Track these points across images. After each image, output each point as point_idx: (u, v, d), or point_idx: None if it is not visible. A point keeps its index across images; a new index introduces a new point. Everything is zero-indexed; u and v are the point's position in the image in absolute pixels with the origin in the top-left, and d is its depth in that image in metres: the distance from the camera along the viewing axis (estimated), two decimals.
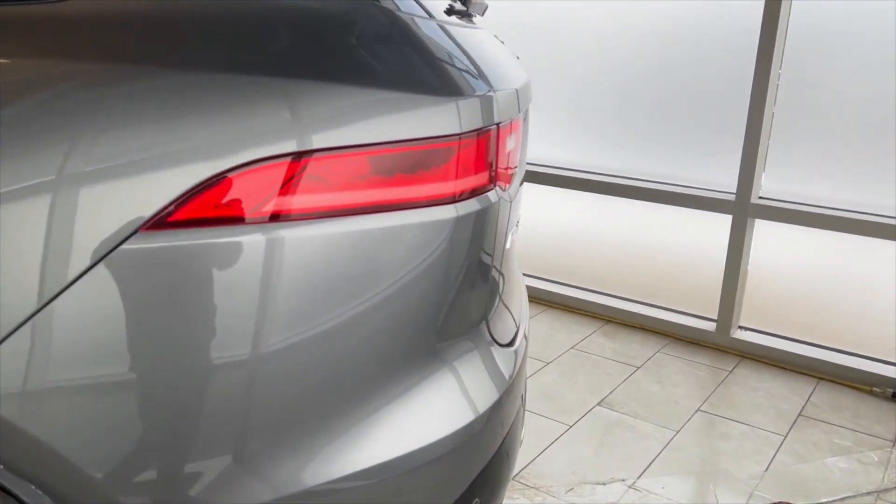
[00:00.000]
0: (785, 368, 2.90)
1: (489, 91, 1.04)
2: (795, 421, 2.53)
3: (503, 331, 1.31)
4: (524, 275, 3.55)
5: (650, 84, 3.14)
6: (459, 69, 1.02)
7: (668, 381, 2.77)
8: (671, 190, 3.08)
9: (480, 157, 1.04)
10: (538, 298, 3.47)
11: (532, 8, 3.37)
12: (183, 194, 0.84)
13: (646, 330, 3.20)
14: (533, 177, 3.42)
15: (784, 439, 2.42)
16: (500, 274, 1.26)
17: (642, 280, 3.31)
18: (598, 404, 2.59)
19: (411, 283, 0.98)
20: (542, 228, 3.55)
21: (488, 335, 1.16)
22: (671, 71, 3.08)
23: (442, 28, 1.09)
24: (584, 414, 2.52)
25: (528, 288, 3.45)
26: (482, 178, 1.05)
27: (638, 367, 2.87)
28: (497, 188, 1.10)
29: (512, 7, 3.42)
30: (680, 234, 3.19)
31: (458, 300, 1.06)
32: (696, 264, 3.17)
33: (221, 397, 0.90)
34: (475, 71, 1.06)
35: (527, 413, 2.48)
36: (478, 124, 1.01)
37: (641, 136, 3.20)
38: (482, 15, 1.57)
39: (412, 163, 0.95)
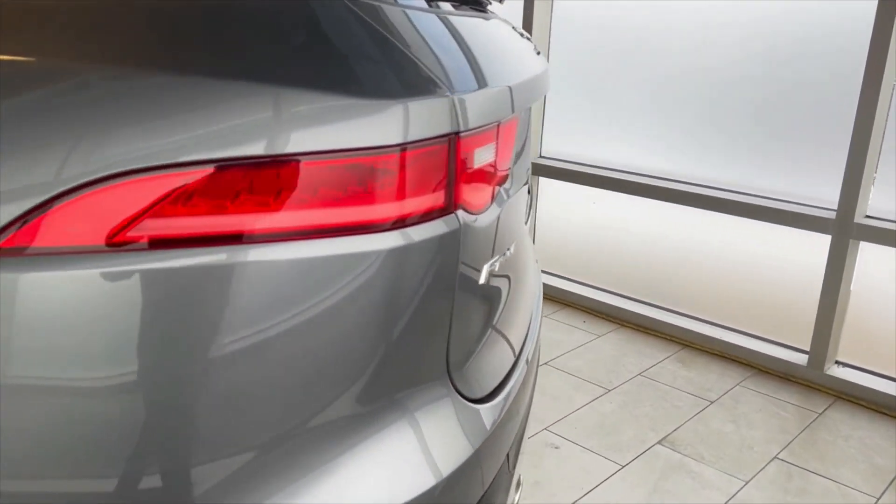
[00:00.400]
0: (886, 415, 2.51)
1: (450, 92, 0.83)
2: (893, 480, 2.17)
3: (492, 370, 1.11)
4: (594, 287, 3.28)
5: (744, 86, 2.81)
6: (409, 67, 0.82)
7: (744, 421, 2.45)
8: (762, 204, 2.74)
9: (433, 174, 0.83)
10: (608, 315, 3.20)
11: (619, 5, 3.09)
12: (14, 221, 0.68)
13: (727, 358, 2.87)
14: (608, 183, 3.15)
15: (876, 502, 2.07)
16: (481, 308, 1.05)
17: (727, 301, 2.98)
18: (660, 442, 2.31)
19: (329, 325, 0.79)
20: (618, 239, 3.27)
21: (452, 387, 0.96)
22: (768, 71, 2.74)
23: (412, 18, 0.89)
24: (640, 452, 2.25)
25: (598, 303, 3.19)
26: (436, 199, 0.85)
27: (712, 402, 2.56)
28: (461, 211, 0.89)
29: (598, 4, 3.16)
30: (773, 251, 2.84)
31: (405, 345, 0.87)
32: (789, 287, 2.82)
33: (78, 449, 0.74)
34: (444, 68, 0.86)
35: (575, 448, 2.24)
36: (428, 133, 0.81)
37: (732, 143, 2.87)
38: (501, 2, 1.36)
39: (330, 182, 0.76)
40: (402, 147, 0.79)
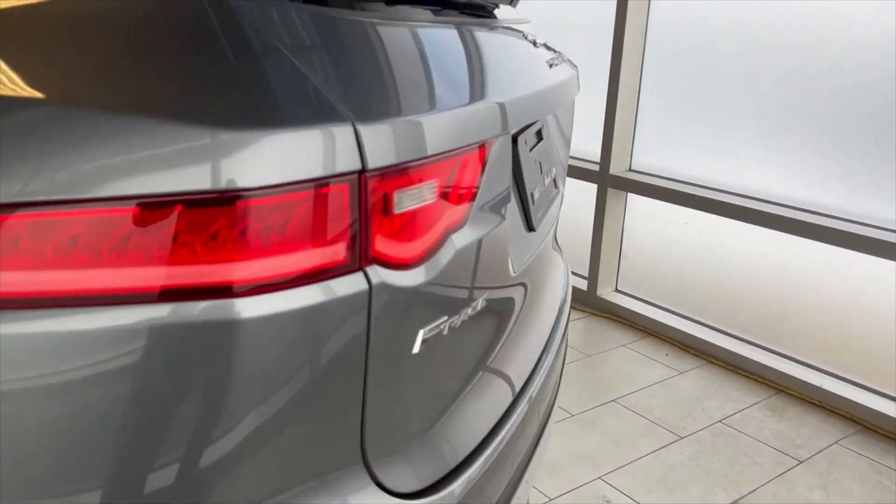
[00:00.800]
0: None
1: (354, 120, 0.66)
2: None
3: (469, 431, 0.95)
4: (681, 316, 2.99)
5: (868, 96, 2.44)
6: (292, 88, 0.65)
7: (836, 488, 2.11)
8: (884, 238, 2.36)
9: (323, 223, 0.66)
10: (695, 349, 2.89)
11: (726, 5, 2.78)
12: None
13: (826, 410, 2.51)
14: (703, 203, 2.83)
15: None
16: (433, 376, 0.87)
17: (833, 344, 2.61)
18: None
19: (177, 405, 0.64)
20: (712, 265, 2.95)
21: (370, 479, 0.78)
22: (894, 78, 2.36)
23: (316, 22, 0.73)
24: None
25: (684, 334, 2.91)
26: (332, 253, 0.67)
27: (801, 462, 2.23)
28: (376, 267, 0.71)
29: (703, 4, 2.85)
30: (892, 291, 2.46)
31: (284, 433, 0.70)
32: None
33: None
34: (350, 89, 0.69)
35: None
36: (310, 173, 0.64)
37: (850, 163, 2.50)
38: (513, 6, 1.16)
39: (161, 236, 0.61)
40: (259, 192, 0.62)
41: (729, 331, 2.89)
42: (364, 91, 0.71)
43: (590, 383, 2.64)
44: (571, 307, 3.23)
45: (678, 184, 2.96)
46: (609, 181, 3.12)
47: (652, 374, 2.72)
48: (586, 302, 3.27)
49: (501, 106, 0.88)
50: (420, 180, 0.75)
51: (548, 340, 1.30)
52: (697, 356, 2.86)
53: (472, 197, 0.85)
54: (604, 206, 3.16)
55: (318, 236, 0.67)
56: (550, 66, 1.10)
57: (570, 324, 3.13)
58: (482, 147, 0.86)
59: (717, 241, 2.93)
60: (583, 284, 3.29)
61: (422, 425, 0.87)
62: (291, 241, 0.65)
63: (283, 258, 0.65)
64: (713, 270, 2.95)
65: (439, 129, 0.76)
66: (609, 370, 2.75)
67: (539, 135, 1.25)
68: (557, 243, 1.60)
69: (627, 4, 2.93)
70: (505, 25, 1.11)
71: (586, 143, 3.27)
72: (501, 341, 1.07)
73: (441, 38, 0.88)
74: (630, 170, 3.17)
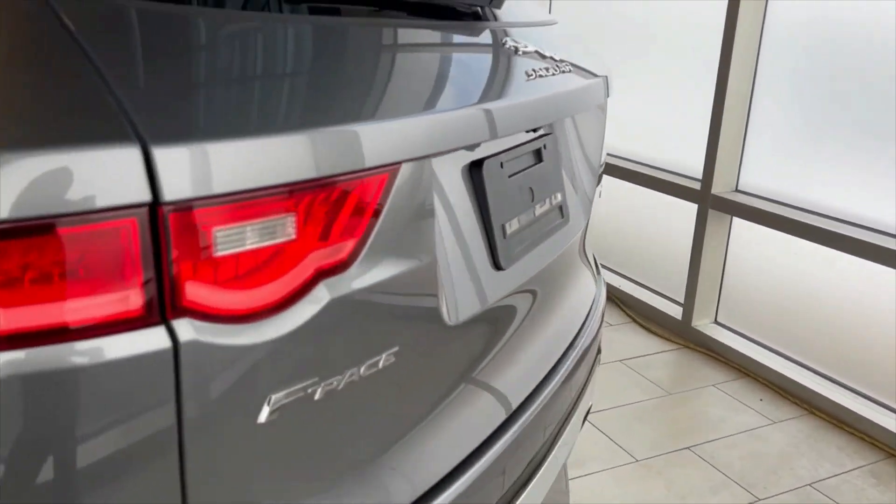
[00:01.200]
0: None
1: (145, 140, 0.53)
2: None
3: (434, 464, 0.86)
4: (783, 356, 2.66)
5: None
6: (54, 95, 0.54)
7: None
8: None
9: (97, 265, 0.54)
10: (795, 396, 2.55)
11: (860, 5, 2.43)
12: None
13: None
14: (822, 236, 2.49)
15: None
16: (317, 436, 0.73)
17: None
18: None
19: None
20: (827, 302, 2.60)
21: None
22: None
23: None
24: None
25: (784, 378, 2.61)
26: (111, 303, 0.55)
27: None
28: (190, 319, 0.58)
29: (833, 4, 2.51)
30: None
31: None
32: None
33: None
34: (150, 101, 0.57)
35: None
36: (80, 204, 0.52)
37: None
38: (494, 6, 1.00)
39: None
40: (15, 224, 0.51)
41: (838, 379, 2.53)
42: (185, 104, 0.58)
43: (664, 426, 2.38)
44: (660, 337, 2.97)
45: (793, 210, 2.62)
46: (711, 202, 2.82)
47: (739, 422, 2.42)
48: (679, 333, 2.98)
49: (417, 124, 0.72)
50: (262, 214, 0.61)
51: (551, 370, 1.14)
52: (797, 405, 2.52)
53: (365, 234, 0.70)
54: (704, 228, 2.86)
55: (98, 281, 0.54)
56: (529, 77, 0.92)
57: (654, 356, 2.87)
58: (385, 174, 0.71)
59: (835, 277, 2.57)
60: (676, 313, 3.01)
61: (334, 476, 0.74)
62: (66, 285, 0.54)
63: (55, 306, 0.54)
64: (827, 311, 2.59)
65: (298, 151, 0.62)
66: (690, 412, 2.48)
67: (538, 155, 1.07)
68: (587, 259, 1.40)
69: (739, 3, 2.63)
70: (476, 32, 0.94)
71: (687, 157, 2.98)
72: (462, 383, 0.93)
73: (346, 43, 0.74)
74: (736, 190, 2.85)
